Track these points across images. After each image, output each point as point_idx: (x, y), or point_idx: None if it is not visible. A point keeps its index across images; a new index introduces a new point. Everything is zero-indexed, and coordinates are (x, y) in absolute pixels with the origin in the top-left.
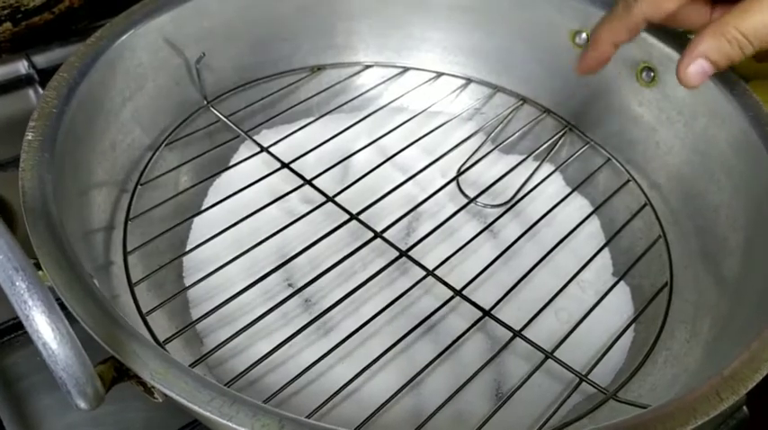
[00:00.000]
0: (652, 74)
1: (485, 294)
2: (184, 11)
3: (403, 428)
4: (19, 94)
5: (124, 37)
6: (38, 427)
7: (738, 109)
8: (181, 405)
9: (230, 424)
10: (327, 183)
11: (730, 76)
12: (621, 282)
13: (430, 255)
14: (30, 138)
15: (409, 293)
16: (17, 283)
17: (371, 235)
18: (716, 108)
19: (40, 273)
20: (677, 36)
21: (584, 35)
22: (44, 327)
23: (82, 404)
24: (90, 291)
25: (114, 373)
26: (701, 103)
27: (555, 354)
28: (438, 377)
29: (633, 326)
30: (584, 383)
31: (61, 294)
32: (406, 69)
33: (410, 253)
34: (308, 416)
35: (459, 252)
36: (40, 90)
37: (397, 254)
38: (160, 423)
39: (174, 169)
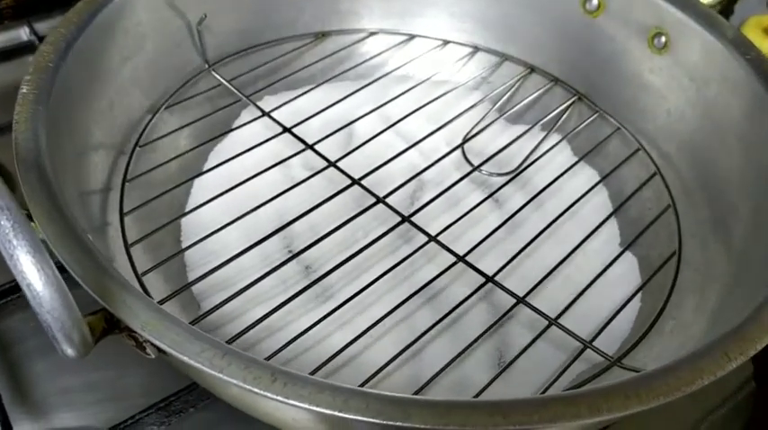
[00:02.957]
0: (664, 39)
1: (489, 263)
2: None
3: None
4: (20, 60)
5: None
6: (32, 392)
7: (752, 74)
8: (172, 357)
9: (222, 375)
10: (330, 150)
11: (744, 41)
12: (628, 253)
13: (434, 223)
14: (24, 91)
15: (412, 261)
16: (2, 222)
17: (374, 201)
18: (729, 73)
19: (32, 224)
20: (690, 0)
21: (594, 1)
22: (29, 268)
23: (68, 350)
24: (82, 241)
25: (105, 325)
26: (714, 68)
27: (559, 322)
28: (439, 345)
29: (640, 296)
30: (589, 351)
31: (52, 244)
32: (411, 37)
33: (413, 219)
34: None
35: (465, 221)
36: None
37: (399, 219)
38: (156, 388)
39: (173, 132)
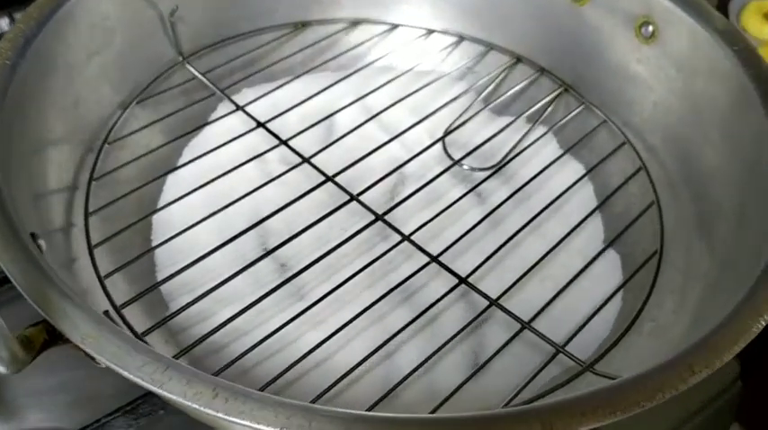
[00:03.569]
0: (651, 28)
1: (468, 261)
2: None
3: (373, 399)
4: None
5: None
6: (2, 393)
7: (739, 66)
8: (113, 370)
9: (162, 391)
10: (310, 144)
11: (732, 31)
12: (611, 250)
13: (413, 220)
14: None
15: (389, 260)
16: None
17: (348, 198)
18: (716, 65)
19: None
20: None
21: None
22: None
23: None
24: (25, 249)
25: (46, 336)
26: (702, 58)
27: (533, 324)
28: (413, 347)
29: (621, 295)
30: (564, 355)
31: None
32: (394, 26)
33: (387, 217)
34: (271, 383)
35: (444, 218)
36: None
37: (373, 218)
38: (126, 389)
39: (145, 127)
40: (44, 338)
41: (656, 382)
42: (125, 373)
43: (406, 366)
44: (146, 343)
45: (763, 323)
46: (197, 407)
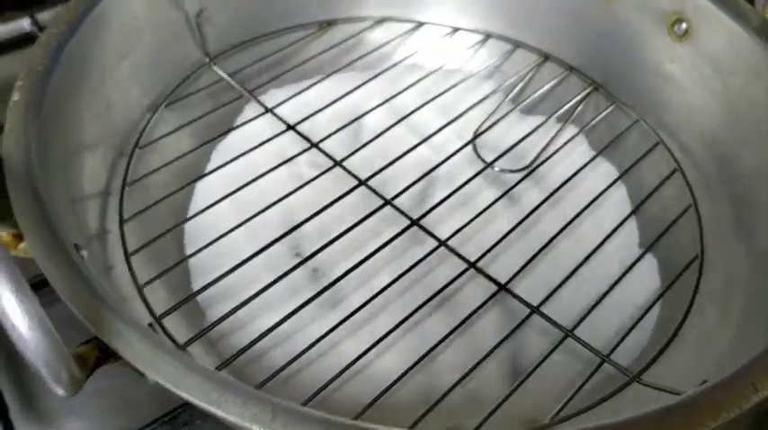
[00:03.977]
0: (684, 26)
1: (503, 266)
2: None
3: (414, 407)
4: (24, 52)
5: None
6: (39, 401)
7: None
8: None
9: (219, 412)
10: (337, 147)
11: None
12: (648, 254)
13: (445, 223)
14: (16, 98)
15: (424, 263)
16: None
17: (381, 203)
18: (755, 65)
19: (22, 245)
20: None
21: None
22: (13, 310)
23: (58, 390)
24: (73, 264)
25: (99, 354)
26: (740, 58)
27: (576, 332)
28: (452, 354)
29: (659, 301)
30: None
31: (42, 267)
32: (420, 24)
33: (422, 221)
34: (314, 396)
35: (477, 220)
36: None
37: (408, 222)
38: (165, 398)
39: (174, 131)
40: (97, 356)
41: (719, 400)
42: (182, 394)
43: (445, 373)
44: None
45: None
46: (255, 429)
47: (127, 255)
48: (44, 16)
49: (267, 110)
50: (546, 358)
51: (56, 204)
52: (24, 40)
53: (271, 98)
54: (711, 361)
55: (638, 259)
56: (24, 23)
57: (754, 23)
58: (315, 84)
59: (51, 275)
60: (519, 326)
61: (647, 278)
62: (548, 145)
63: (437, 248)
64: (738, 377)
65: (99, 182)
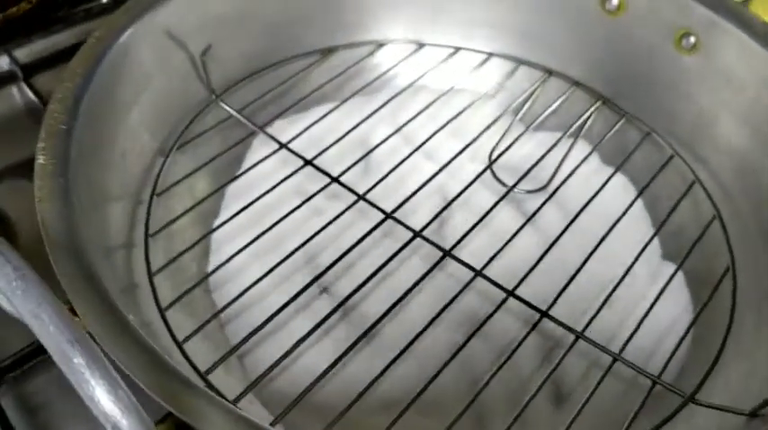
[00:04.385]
0: (693, 39)
1: (533, 289)
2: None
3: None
4: (2, 92)
5: (125, 35)
6: (41, 417)
7: None
8: None
9: None
10: (350, 176)
11: None
12: (673, 265)
13: (467, 247)
14: (41, 161)
15: (453, 286)
16: (75, 360)
17: (404, 231)
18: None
19: (76, 319)
20: None
21: (614, 1)
22: (111, 408)
23: None
24: (138, 341)
25: None
26: (752, 69)
27: (623, 355)
28: (493, 381)
29: (691, 315)
30: (641, 376)
31: (107, 348)
32: (421, 45)
33: (456, 252)
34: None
35: (498, 241)
36: (25, 87)
37: (438, 253)
38: None
39: (189, 175)
40: None
41: None
42: None
43: (490, 402)
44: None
45: None
46: None
47: (161, 311)
48: (21, 53)
49: (282, 145)
50: (598, 385)
51: (103, 277)
52: (3, 79)
53: (277, 130)
54: (760, 374)
55: (671, 278)
56: (2, 62)
57: (762, 33)
58: (325, 115)
59: (120, 358)
60: (567, 353)
61: (676, 291)
62: (562, 162)
63: (473, 279)
64: None
65: (123, 234)
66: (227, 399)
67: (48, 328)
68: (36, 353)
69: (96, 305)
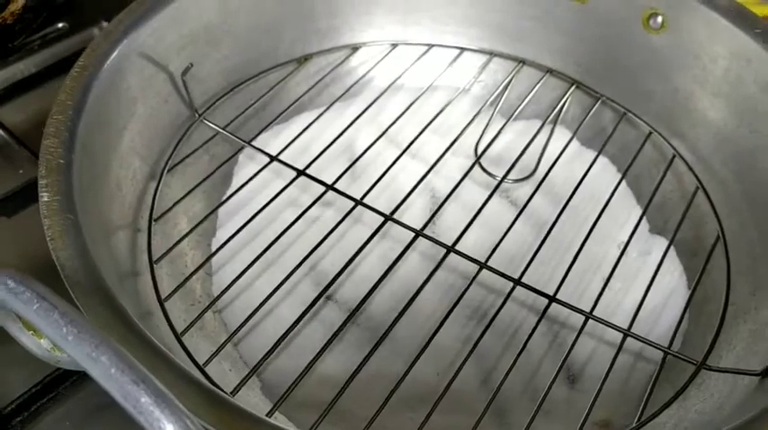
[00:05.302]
0: (660, 19)
1: (535, 275)
2: (162, 20)
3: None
4: None
5: (109, 61)
6: None
7: (765, 46)
8: None
9: None
10: (342, 182)
11: (747, 14)
12: (662, 239)
13: (463, 239)
14: (45, 199)
15: (461, 282)
16: (142, 400)
17: (401, 231)
18: (739, 48)
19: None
20: None
21: None
22: None
23: None
24: (187, 374)
25: None
26: (721, 44)
27: (632, 331)
28: (505, 367)
29: (686, 282)
30: (647, 349)
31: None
32: (394, 46)
33: (456, 246)
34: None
35: (493, 231)
36: None
37: (437, 250)
38: None
39: (184, 197)
40: None
41: None
42: None
43: (505, 388)
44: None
45: None
46: None
47: (177, 336)
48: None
49: (273, 158)
50: (613, 363)
51: (128, 306)
52: None
53: (262, 143)
54: (764, 336)
55: (667, 250)
56: None
57: (729, 10)
58: (310, 124)
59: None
60: (579, 335)
61: (669, 263)
62: (544, 148)
63: (479, 271)
64: None
65: (128, 263)
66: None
67: (109, 371)
68: (41, 395)
69: (128, 336)
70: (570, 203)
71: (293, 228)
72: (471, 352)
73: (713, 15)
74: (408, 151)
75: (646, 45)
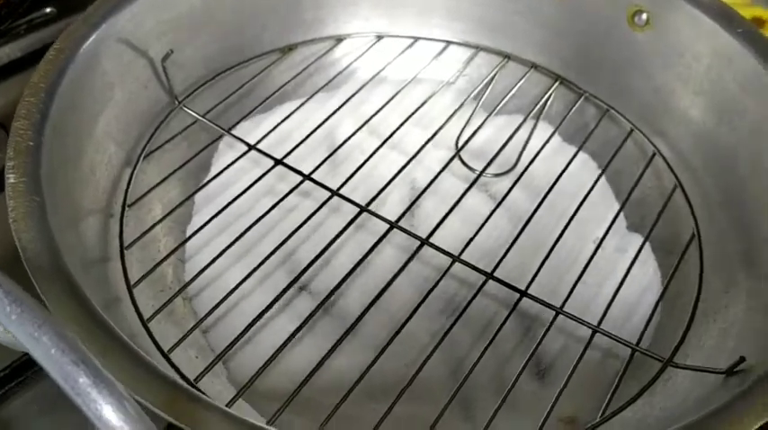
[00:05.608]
0: (645, 16)
1: (506, 268)
2: (142, 5)
3: (453, 417)
4: None
5: (86, 45)
6: None
7: (746, 46)
8: None
9: None
10: (321, 172)
11: (731, 14)
12: (639, 236)
13: (439, 233)
14: (12, 180)
15: (435, 274)
16: (81, 381)
17: (377, 222)
18: (721, 47)
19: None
20: None
21: None
22: (122, 425)
23: None
24: (133, 355)
25: None
26: (704, 42)
27: (602, 327)
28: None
29: (660, 279)
30: (617, 346)
31: (113, 373)
32: (380, 38)
33: (431, 239)
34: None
35: (472, 225)
36: None
37: (413, 242)
38: None
39: (159, 184)
40: None
41: None
42: None
43: (478, 381)
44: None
45: None
46: None
47: (144, 323)
48: None
49: (251, 147)
50: (581, 357)
51: (90, 291)
52: None
53: (242, 131)
54: (732, 334)
55: (641, 247)
56: None
57: (714, 9)
58: (290, 113)
59: (124, 380)
60: (548, 329)
61: (644, 260)
62: (526, 143)
63: (452, 265)
64: None
65: (98, 249)
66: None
67: (49, 351)
68: (8, 379)
69: (86, 322)
70: (549, 199)
71: (270, 217)
72: (439, 343)
73: (697, 14)
74: (390, 143)
75: (630, 42)
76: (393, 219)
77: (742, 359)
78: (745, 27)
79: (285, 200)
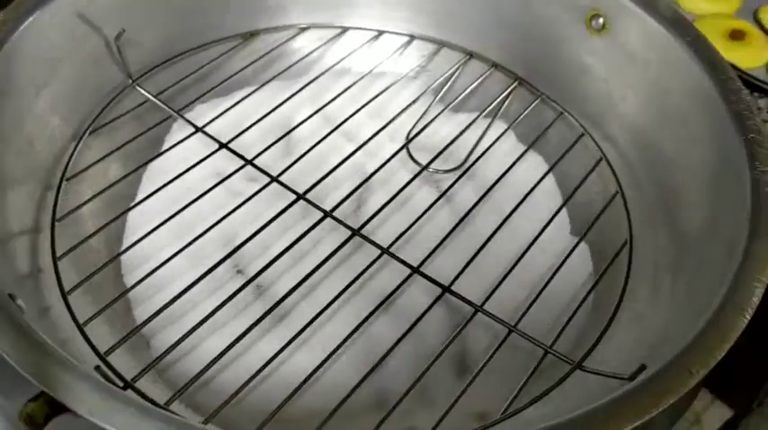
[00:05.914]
0: (602, 21)
1: (443, 265)
2: None
3: (369, 412)
4: None
5: (30, 18)
6: None
7: (692, 55)
8: None
9: None
10: (272, 160)
11: (683, 21)
12: (578, 239)
13: (383, 227)
14: None
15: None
16: None
17: (321, 215)
18: (669, 55)
19: None
20: None
21: None
22: None
23: None
24: (10, 316)
25: (48, 409)
26: (654, 50)
27: (518, 326)
28: (400, 356)
29: (591, 284)
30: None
31: None
32: (344, 29)
33: (362, 230)
34: (273, 414)
35: (412, 218)
36: None
37: (348, 233)
38: None
39: (102, 159)
40: (47, 412)
41: (660, 388)
42: None
43: (395, 375)
44: (137, 389)
45: (748, 317)
46: None
47: (64, 294)
48: None
49: (197, 129)
50: (492, 355)
51: None
52: None
53: (198, 115)
54: (647, 342)
55: (573, 249)
56: None
57: (667, 16)
58: (243, 98)
59: None
60: (464, 326)
61: (581, 264)
62: (478, 141)
63: (380, 256)
64: (675, 363)
65: (27, 219)
66: (124, 379)
67: None
68: None
69: None
70: (495, 197)
71: (215, 201)
72: (356, 330)
73: (649, 21)
74: (346, 135)
75: (587, 46)
76: (343, 209)
77: (643, 367)
78: (692, 35)
79: (234, 187)
